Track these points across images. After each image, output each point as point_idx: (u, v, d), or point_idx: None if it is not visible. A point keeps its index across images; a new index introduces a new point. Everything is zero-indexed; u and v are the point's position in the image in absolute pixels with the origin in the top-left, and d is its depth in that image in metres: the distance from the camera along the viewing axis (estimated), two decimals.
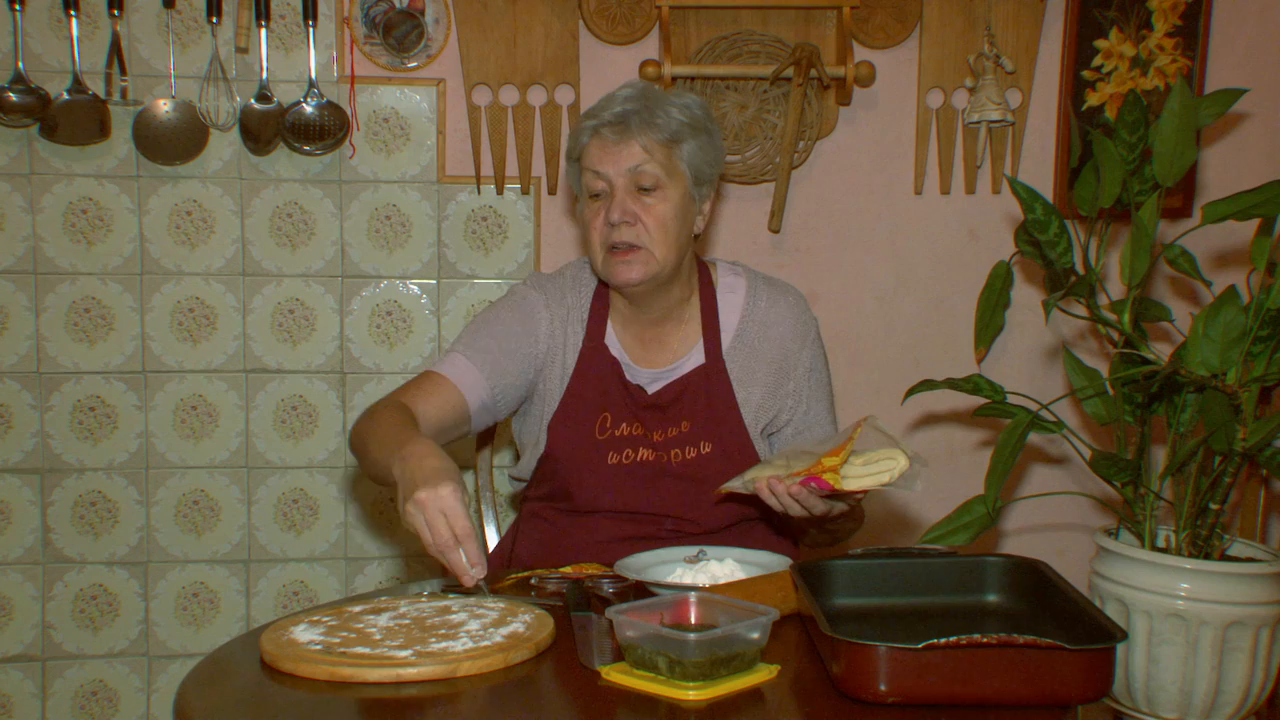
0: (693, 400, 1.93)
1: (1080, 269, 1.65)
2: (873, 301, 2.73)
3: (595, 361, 1.95)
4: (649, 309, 1.96)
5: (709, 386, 1.94)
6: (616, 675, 1.38)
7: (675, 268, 1.91)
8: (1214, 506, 1.56)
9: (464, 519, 1.53)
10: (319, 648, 1.43)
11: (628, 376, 1.95)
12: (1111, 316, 1.61)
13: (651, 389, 1.94)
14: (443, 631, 1.48)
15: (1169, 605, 1.49)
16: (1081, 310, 1.67)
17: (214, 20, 2.47)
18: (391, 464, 1.62)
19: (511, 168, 2.61)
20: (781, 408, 1.98)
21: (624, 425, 1.92)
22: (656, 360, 1.97)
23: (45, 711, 2.61)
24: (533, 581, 1.73)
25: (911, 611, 1.58)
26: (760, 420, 1.96)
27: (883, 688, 1.29)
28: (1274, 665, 1.53)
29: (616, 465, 1.91)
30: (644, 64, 2.54)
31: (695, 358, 1.96)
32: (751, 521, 1.96)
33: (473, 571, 1.56)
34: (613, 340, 1.97)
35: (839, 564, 1.63)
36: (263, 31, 2.48)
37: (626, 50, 2.59)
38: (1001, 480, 1.62)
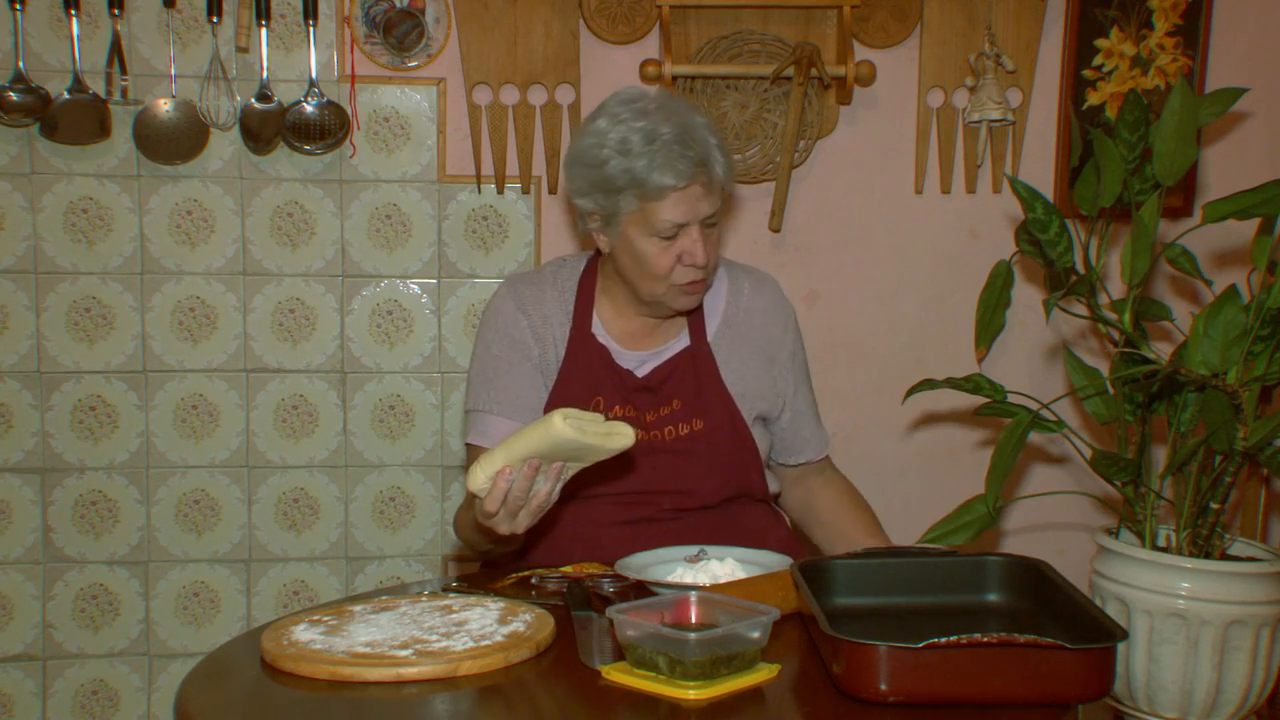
0: (681, 380, 1.97)
1: (1081, 268, 1.65)
2: (873, 301, 2.73)
3: (583, 350, 1.98)
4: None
5: (696, 367, 1.98)
6: (617, 675, 1.39)
7: None
8: (1214, 506, 1.56)
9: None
10: (319, 647, 1.43)
11: (617, 361, 1.98)
12: (1112, 316, 1.61)
13: (640, 372, 1.98)
14: (443, 631, 1.48)
15: (1169, 605, 1.49)
16: (1082, 310, 1.67)
17: (214, 20, 2.47)
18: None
19: (512, 167, 2.60)
20: (775, 391, 2.03)
21: (616, 407, 1.95)
22: (643, 345, 2.00)
23: (46, 711, 2.61)
24: (533, 581, 1.74)
25: (912, 611, 1.59)
26: (754, 404, 2.00)
27: (883, 687, 1.29)
28: (1274, 665, 1.53)
29: None
30: (644, 64, 2.53)
31: (681, 341, 2.00)
32: (744, 498, 2.00)
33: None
34: (599, 330, 2.00)
35: (839, 564, 1.63)
36: (263, 31, 2.48)
37: (627, 50, 2.59)
38: (1002, 480, 1.62)
